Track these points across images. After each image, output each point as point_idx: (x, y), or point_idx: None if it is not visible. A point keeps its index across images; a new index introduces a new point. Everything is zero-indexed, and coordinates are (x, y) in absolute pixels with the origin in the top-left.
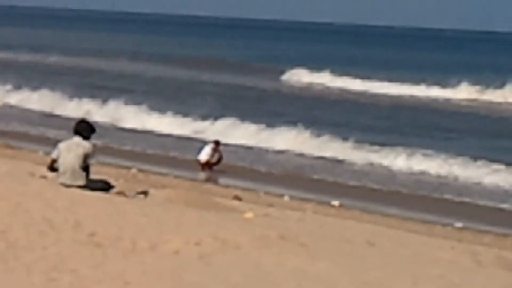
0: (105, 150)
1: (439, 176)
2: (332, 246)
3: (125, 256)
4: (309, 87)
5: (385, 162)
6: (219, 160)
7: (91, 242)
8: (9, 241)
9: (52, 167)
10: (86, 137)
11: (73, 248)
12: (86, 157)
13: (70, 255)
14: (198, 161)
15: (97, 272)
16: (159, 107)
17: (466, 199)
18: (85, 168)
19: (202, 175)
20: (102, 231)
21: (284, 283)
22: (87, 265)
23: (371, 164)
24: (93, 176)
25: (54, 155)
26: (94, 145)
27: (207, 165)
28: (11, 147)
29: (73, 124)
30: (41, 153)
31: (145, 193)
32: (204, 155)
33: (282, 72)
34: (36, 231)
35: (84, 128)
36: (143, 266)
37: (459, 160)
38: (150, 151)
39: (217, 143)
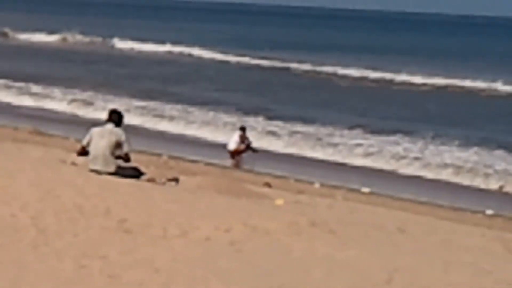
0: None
1: None
2: (362, 233)
3: (155, 242)
4: None
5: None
6: (247, 147)
7: (121, 229)
8: (40, 227)
9: (82, 152)
10: (118, 125)
11: (103, 235)
12: (118, 145)
13: (100, 242)
14: (227, 150)
15: (127, 259)
16: None
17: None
18: (125, 157)
19: (232, 163)
20: (132, 218)
21: (314, 269)
22: (117, 251)
23: None
24: (123, 162)
25: (85, 141)
26: (125, 132)
27: (236, 153)
28: (42, 134)
29: None
30: (72, 140)
31: (175, 180)
32: (233, 144)
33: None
34: (66, 218)
35: (117, 117)
36: (173, 253)
37: None
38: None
39: (243, 130)
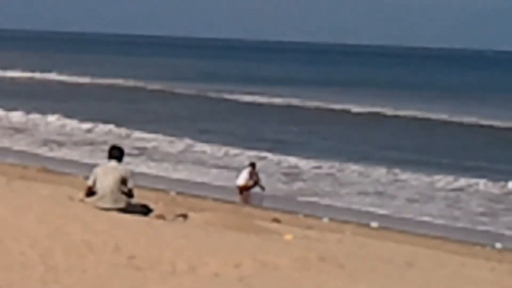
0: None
1: None
2: (371, 267)
3: (164, 279)
4: None
5: None
6: (255, 183)
7: (130, 265)
8: (49, 264)
9: (89, 193)
10: (120, 160)
11: (113, 271)
12: (123, 180)
13: (109, 278)
14: (235, 186)
15: None
16: None
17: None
18: (129, 193)
19: (240, 198)
20: (141, 254)
21: None
22: None
23: None
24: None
25: (90, 181)
26: (129, 170)
27: (245, 189)
28: (49, 171)
29: None
30: (81, 177)
31: (184, 216)
32: (241, 180)
33: None
34: (75, 255)
35: (118, 153)
36: None
37: None
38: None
39: (253, 166)
